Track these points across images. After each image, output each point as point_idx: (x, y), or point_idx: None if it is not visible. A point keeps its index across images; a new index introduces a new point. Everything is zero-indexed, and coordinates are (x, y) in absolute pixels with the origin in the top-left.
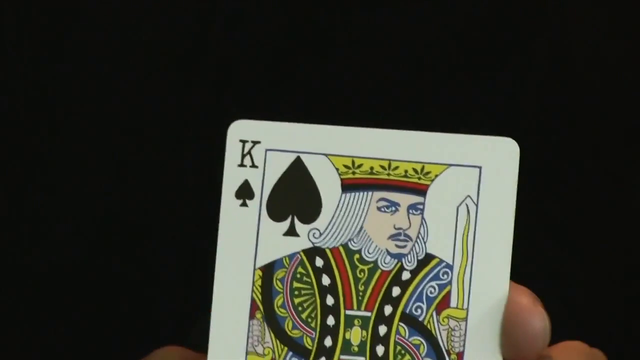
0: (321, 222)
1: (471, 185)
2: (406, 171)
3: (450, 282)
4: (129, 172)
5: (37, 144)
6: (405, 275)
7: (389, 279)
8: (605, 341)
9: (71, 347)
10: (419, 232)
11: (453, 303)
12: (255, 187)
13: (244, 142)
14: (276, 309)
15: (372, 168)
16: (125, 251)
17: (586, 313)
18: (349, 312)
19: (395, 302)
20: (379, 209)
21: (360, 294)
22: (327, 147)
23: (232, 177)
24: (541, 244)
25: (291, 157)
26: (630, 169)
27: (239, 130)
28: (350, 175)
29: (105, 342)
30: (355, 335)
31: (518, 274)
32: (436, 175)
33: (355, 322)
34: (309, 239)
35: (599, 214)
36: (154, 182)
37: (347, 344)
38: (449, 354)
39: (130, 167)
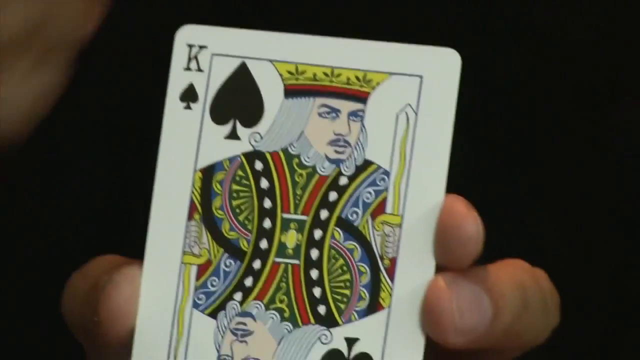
0: (262, 126)
1: (411, 94)
2: (348, 78)
3: (386, 189)
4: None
5: None
6: (343, 181)
7: (326, 183)
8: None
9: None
10: (358, 139)
11: (388, 209)
12: (200, 90)
13: (190, 46)
14: (214, 210)
15: (315, 75)
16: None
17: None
18: (285, 216)
19: (331, 206)
20: (320, 114)
21: (298, 197)
22: (271, 53)
23: (177, 81)
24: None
25: (236, 62)
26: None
27: (187, 35)
28: (294, 82)
29: None
30: (291, 238)
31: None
32: (378, 83)
33: (292, 225)
34: (250, 143)
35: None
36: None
37: (282, 246)
38: (382, 259)
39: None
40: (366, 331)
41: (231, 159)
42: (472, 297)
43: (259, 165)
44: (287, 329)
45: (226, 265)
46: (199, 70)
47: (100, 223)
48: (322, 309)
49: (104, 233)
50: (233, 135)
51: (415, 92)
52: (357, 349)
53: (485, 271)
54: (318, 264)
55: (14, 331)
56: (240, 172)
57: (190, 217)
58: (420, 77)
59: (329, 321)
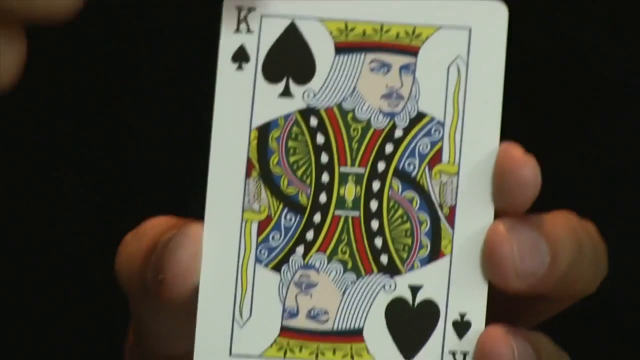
0: (315, 83)
1: (461, 46)
2: (398, 33)
3: (441, 139)
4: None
5: None
6: (398, 133)
7: (382, 136)
8: None
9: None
10: (411, 91)
11: (445, 158)
12: (251, 51)
13: (239, 8)
14: (272, 167)
15: (364, 31)
16: None
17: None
18: (343, 169)
19: (388, 158)
20: (371, 69)
21: (354, 151)
22: (320, 11)
23: (228, 43)
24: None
25: (286, 22)
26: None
27: None
28: (344, 39)
29: None
30: (350, 191)
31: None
32: (427, 37)
33: (349, 178)
34: (304, 100)
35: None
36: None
37: (341, 199)
38: (441, 208)
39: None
40: (429, 278)
41: (286, 116)
42: (531, 241)
43: (314, 121)
44: (350, 280)
45: (286, 220)
46: (249, 31)
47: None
48: (384, 259)
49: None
50: (286, 93)
51: (464, 44)
52: (421, 295)
53: (541, 218)
54: (378, 215)
55: (14, 331)
56: (295, 129)
57: (248, 174)
58: (469, 29)
59: (391, 270)
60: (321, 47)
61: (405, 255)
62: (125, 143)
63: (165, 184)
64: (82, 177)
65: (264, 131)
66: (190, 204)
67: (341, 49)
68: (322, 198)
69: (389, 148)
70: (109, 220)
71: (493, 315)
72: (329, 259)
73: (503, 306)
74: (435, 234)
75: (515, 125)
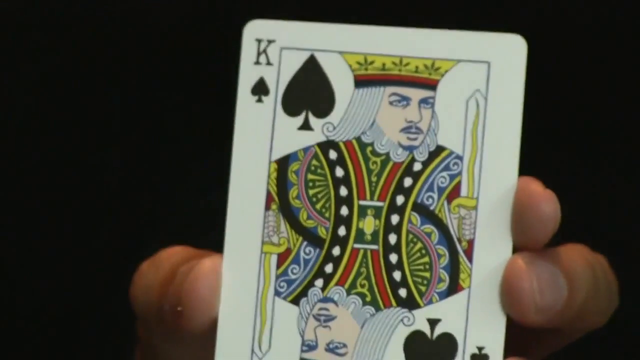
0: (335, 116)
1: (480, 80)
2: (417, 67)
3: (460, 172)
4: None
5: None
6: (417, 167)
7: (401, 169)
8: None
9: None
10: (430, 125)
11: (463, 192)
12: (271, 83)
13: (259, 40)
14: (291, 200)
15: (384, 64)
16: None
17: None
18: (362, 202)
19: (407, 192)
20: (390, 103)
21: (373, 184)
22: (340, 44)
23: (248, 75)
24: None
25: (305, 55)
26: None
27: (255, 30)
28: (363, 72)
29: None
30: (369, 224)
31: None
32: (446, 71)
33: (369, 211)
34: (323, 133)
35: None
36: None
37: (360, 233)
38: (460, 242)
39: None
40: (448, 312)
41: (305, 149)
42: (550, 276)
43: (333, 155)
44: (369, 313)
45: (306, 253)
46: (269, 64)
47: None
48: (403, 292)
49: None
50: (306, 126)
51: (483, 78)
52: (439, 329)
53: (558, 252)
54: (397, 248)
55: (14, 331)
56: (315, 162)
57: (267, 207)
58: (488, 63)
59: (410, 303)
60: (340, 80)
61: (423, 289)
62: (146, 172)
63: (184, 214)
64: (103, 203)
65: (283, 164)
66: (208, 235)
67: (360, 82)
68: (341, 231)
69: (407, 181)
70: (128, 248)
71: (508, 347)
72: (348, 292)
73: (517, 338)
74: (454, 268)
75: (535, 158)
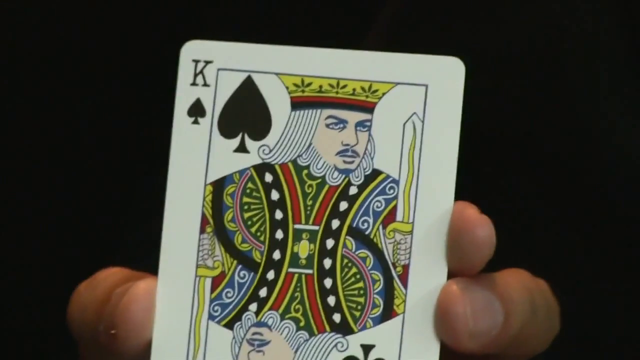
0: (271, 138)
1: (417, 103)
2: (354, 89)
3: (396, 197)
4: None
5: None
6: (353, 190)
7: (336, 193)
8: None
9: None
10: (366, 149)
11: (399, 217)
12: (207, 105)
13: (196, 61)
14: (226, 223)
15: (321, 87)
16: None
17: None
18: (297, 226)
19: (342, 216)
20: (327, 125)
21: (309, 208)
22: (277, 66)
23: (184, 96)
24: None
25: (242, 76)
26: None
27: (192, 50)
28: (300, 94)
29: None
30: (303, 248)
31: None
32: (383, 94)
33: (304, 235)
34: (259, 155)
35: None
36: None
37: (295, 257)
38: (394, 267)
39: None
40: (382, 337)
41: (241, 172)
42: (484, 301)
43: (269, 177)
44: (303, 338)
45: (240, 277)
46: (206, 85)
47: (96, 236)
48: (337, 317)
49: (100, 246)
50: (242, 149)
51: (421, 101)
52: (373, 355)
53: (494, 277)
54: (331, 273)
55: (14, 331)
56: (250, 185)
57: (202, 230)
58: (426, 86)
59: (344, 329)
60: (277, 102)
61: (358, 314)
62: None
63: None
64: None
65: (219, 186)
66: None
67: (297, 104)
68: (276, 255)
69: (343, 205)
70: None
71: None
72: (282, 317)
73: None
74: (388, 293)
75: (470, 183)
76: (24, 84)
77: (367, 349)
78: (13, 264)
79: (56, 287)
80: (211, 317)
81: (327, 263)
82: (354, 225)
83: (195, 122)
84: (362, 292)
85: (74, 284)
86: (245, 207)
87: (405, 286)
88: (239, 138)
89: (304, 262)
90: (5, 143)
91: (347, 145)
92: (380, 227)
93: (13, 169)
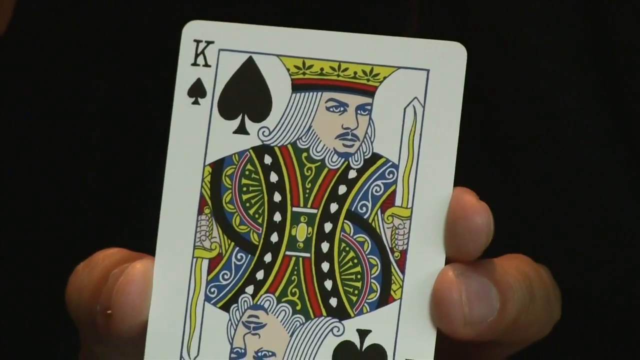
0: (271, 120)
1: (419, 88)
2: (355, 73)
3: (395, 181)
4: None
5: None
6: (352, 174)
7: (335, 177)
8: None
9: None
10: (366, 132)
11: (398, 202)
12: (208, 85)
13: (197, 42)
14: (224, 204)
15: (322, 69)
16: None
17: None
18: (295, 209)
19: (341, 200)
20: (327, 108)
21: (307, 191)
22: (278, 48)
23: (185, 76)
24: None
25: (243, 57)
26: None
27: (193, 31)
28: (301, 76)
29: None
30: (301, 231)
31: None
32: (384, 77)
33: (302, 218)
34: (259, 137)
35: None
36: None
37: (292, 240)
38: (392, 252)
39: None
40: (378, 323)
41: (240, 154)
42: (480, 288)
43: (268, 160)
44: (299, 322)
45: (237, 259)
46: (206, 65)
47: (100, 217)
48: (333, 301)
49: (103, 227)
50: (242, 130)
51: (422, 86)
52: (369, 340)
53: (492, 263)
54: (329, 257)
55: (14, 331)
56: (249, 167)
57: (200, 211)
58: (427, 70)
59: (340, 313)
60: (278, 84)
61: (354, 299)
62: (105, 173)
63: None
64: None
65: (217, 168)
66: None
67: (298, 86)
68: (274, 238)
69: (342, 189)
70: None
71: (442, 358)
72: (279, 300)
73: (453, 349)
74: (386, 279)
75: (470, 168)
76: (24, 66)
77: (363, 334)
78: (14, 250)
79: (57, 273)
80: (207, 298)
81: (325, 247)
82: (353, 209)
83: (196, 102)
84: (359, 276)
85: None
86: (244, 188)
87: (403, 272)
88: (239, 119)
89: (301, 245)
90: (7, 125)
91: (347, 128)
92: (379, 212)
93: (15, 150)
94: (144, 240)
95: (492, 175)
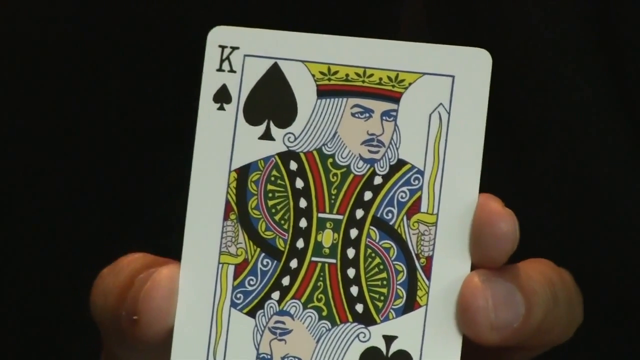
0: (296, 126)
1: (444, 94)
2: (381, 79)
3: (421, 188)
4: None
5: None
6: (377, 180)
7: (361, 183)
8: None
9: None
10: (391, 139)
11: (423, 208)
12: (233, 91)
13: (223, 47)
14: (250, 210)
15: (347, 75)
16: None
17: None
18: (321, 215)
19: (366, 206)
20: (353, 114)
21: (333, 197)
22: (304, 54)
23: (210, 82)
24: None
25: (269, 63)
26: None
27: (219, 36)
28: (326, 82)
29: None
30: (327, 237)
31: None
32: (410, 84)
33: (327, 224)
34: (284, 143)
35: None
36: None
37: (318, 246)
38: (418, 258)
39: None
40: (404, 329)
41: (266, 159)
42: (506, 294)
43: (293, 166)
44: (325, 327)
45: (263, 265)
46: (232, 71)
47: (113, 221)
48: (359, 307)
49: (116, 231)
50: (267, 136)
51: (447, 92)
52: (395, 346)
53: (516, 268)
54: (355, 263)
55: (15, 331)
56: (275, 173)
57: (226, 217)
58: (452, 77)
59: (366, 319)
60: (303, 90)
61: (380, 305)
62: (122, 174)
63: (159, 218)
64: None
65: (243, 173)
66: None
67: (323, 92)
68: (300, 244)
69: (367, 195)
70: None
71: None
72: (305, 306)
73: (476, 354)
74: (411, 285)
75: (496, 174)
76: (48, 67)
77: (389, 340)
78: (32, 243)
79: (76, 267)
80: (233, 304)
81: (351, 253)
82: (378, 215)
83: (221, 108)
84: (385, 282)
85: (94, 265)
86: (270, 194)
87: (429, 278)
88: (264, 125)
89: (327, 251)
90: (31, 121)
91: (373, 134)
92: (405, 218)
93: (38, 147)
94: (157, 238)
95: (503, 166)
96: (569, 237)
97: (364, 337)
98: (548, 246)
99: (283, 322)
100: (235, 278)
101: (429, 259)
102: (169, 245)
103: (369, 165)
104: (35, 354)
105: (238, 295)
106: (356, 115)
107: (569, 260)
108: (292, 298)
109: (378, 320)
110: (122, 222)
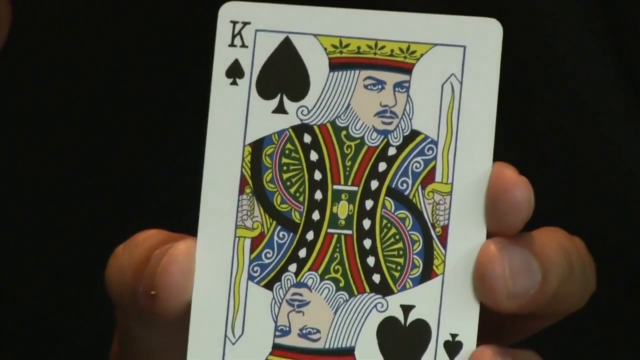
0: (309, 99)
1: (456, 64)
2: (392, 50)
3: (435, 157)
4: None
5: None
6: (392, 151)
7: (375, 154)
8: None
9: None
10: (404, 109)
11: (438, 177)
12: (245, 66)
13: (234, 22)
14: (265, 184)
15: (359, 47)
16: None
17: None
18: (336, 187)
19: (381, 177)
20: (365, 87)
21: (347, 169)
22: (315, 27)
23: (222, 57)
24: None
25: (280, 37)
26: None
27: (230, 11)
28: (338, 55)
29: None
30: (343, 209)
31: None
32: (421, 55)
33: (343, 196)
34: (298, 116)
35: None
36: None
37: (334, 217)
38: (434, 227)
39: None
40: (421, 298)
41: (280, 133)
42: (522, 261)
43: (307, 138)
44: (342, 298)
45: (279, 238)
46: (244, 46)
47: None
48: (376, 278)
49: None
50: (280, 110)
51: (459, 62)
52: (413, 315)
53: (532, 236)
54: (371, 234)
55: (15, 330)
56: (289, 146)
57: (241, 191)
58: (464, 47)
59: (384, 289)
60: (316, 63)
61: (397, 275)
62: (130, 151)
63: (164, 196)
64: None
65: (257, 147)
66: (191, 215)
67: (335, 65)
68: (315, 216)
69: (382, 166)
70: (105, 230)
71: (482, 331)
72: (322, 278)
73: (492, 322)
74: (428, 254)
75: (509, 144)
76: (59, 49)
77: (407, 309)
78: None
79: (89, 240)
80: (251, 277)
81: (367, 224)
82: (393, 185)
83: (234, 83)
84: (401, 252)
85: (109, 240)
86: (284, 167)
87: (445, 247)
88: (277, 99)
89: (343, 222)
90: (44, 103)
91: (386, 106)
92: (419, 188)
93: (47, 127)
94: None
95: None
96: (579, 206)
97: (381, 307)
98: (561, 214)
99: (300, 294)
100: (252, 251)
101: (445, 228)
102: (170, 229)
103: (382, 137)
104: (40, 342)
105: (255, 269)
106: (369, 87)
107: (582, 228)
108: (309, 270)
109: (395, 290)
110: (122, 207)
